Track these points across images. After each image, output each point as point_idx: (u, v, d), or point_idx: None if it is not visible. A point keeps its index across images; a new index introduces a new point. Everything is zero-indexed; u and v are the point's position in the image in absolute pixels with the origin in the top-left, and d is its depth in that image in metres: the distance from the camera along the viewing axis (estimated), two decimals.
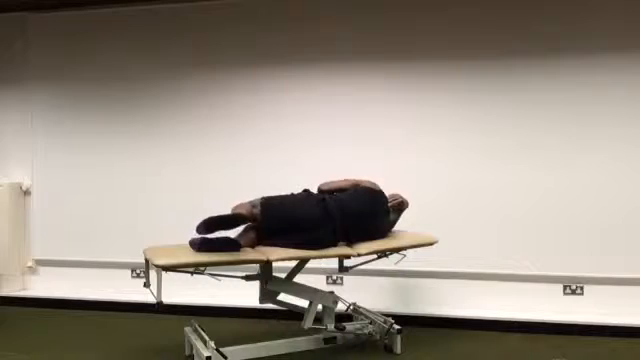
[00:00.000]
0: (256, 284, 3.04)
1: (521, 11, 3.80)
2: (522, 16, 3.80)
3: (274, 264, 2.90)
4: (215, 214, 2.79)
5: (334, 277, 3.99)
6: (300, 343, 3.02)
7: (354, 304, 3.47)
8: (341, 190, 3.17)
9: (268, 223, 2.90)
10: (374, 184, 3.25)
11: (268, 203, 2.94)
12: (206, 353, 2.69)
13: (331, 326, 3.03)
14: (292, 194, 3.09)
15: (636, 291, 3.62)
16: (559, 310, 3.67)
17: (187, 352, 3.11)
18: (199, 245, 2.69)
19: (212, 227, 2.73)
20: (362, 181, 3.24)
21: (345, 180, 3.24)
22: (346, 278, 3.94)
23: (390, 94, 3.98)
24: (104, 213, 4.36)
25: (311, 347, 3.05)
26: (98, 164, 4.38)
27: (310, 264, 3.08)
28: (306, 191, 3.15)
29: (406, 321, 3.35)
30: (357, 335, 3.14)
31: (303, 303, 3.08)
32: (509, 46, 3.82)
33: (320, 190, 3.22)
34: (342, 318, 3.19)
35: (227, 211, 2.91)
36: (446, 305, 3.80)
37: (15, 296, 4.33)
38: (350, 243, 3.00)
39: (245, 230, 3.00)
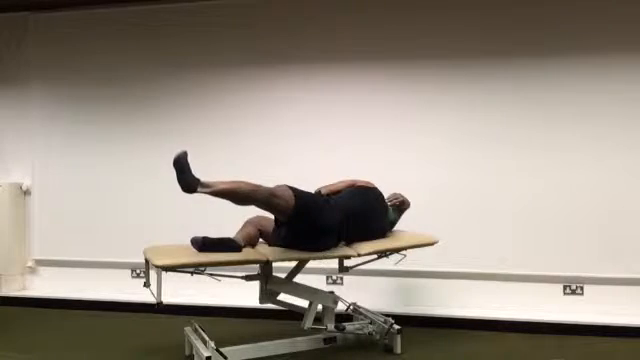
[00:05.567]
0: (256, 284, 3.04)
1: (519, 12, 3.80)
2: (521, 17, 3.80)
3: (274, 264, 2.90)
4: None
5: (334, 277, 4.00)
6: (300, 343, 3.02)
7: (354, 304, 3.46)
8: (339, 192, 3.17)
9: (301, 224, 2.80)
10: (369, 182, 3.26)
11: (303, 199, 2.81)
12: (206, 353, 2.69)
13: (331, 326, 3.03)
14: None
15: (636, 291, 3.62)
16: (559, 310, 3.67)
17: (187, 352, 3.11)
18: (200, 246, 2.71)
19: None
20: (357, 181, 3.26)
21: (341, 182, 3.25)
22: (346, 278, 3.95)
23: (390, 95, 3.98)
24: (104, 213, 4.36)
25: (311, 347, 3.04)
26: (98, 164, 4.38)
27: (310, 264, 3.08)
28: (321, 194, 3.07)
29: (406, 321, 3.35)
30: (357, 335, 3.14)
31: (303, 303, 3.07)
32: (509, 47, 3.81)
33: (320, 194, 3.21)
34: (342, 318, 3.20)
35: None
36: (446, 305, 3.80)
37: (15, 296, 4.32)
38: (350, 243, 3.00)
39: (244, 225, 3.01)
